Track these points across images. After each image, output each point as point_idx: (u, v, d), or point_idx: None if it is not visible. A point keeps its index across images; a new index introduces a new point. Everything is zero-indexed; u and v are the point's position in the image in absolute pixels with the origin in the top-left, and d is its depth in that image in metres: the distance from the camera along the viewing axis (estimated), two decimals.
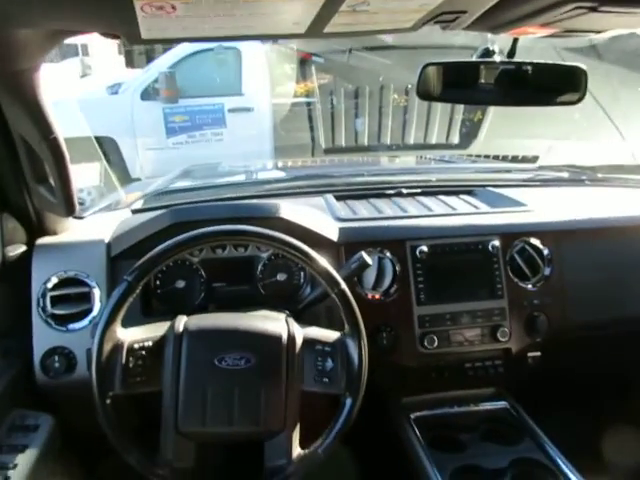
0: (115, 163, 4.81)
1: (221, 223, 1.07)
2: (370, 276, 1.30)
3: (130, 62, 8.93)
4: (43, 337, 1.19)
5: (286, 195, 1.61)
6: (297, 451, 1.00)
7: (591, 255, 1.43)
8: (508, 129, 4.32)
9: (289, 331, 1.02)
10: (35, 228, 1.25)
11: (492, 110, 5.01)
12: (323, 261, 1.04)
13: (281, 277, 1.34)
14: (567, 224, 1.43)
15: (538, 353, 1.38)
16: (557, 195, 1.69)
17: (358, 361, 1.01)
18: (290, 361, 1.00)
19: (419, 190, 1.65)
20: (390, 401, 1.40)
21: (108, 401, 0.95)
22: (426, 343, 1.30)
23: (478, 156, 3.63)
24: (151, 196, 1.72)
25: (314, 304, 1.20)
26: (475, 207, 1.53)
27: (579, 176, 1.89)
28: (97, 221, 1.44)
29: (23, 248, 1.23)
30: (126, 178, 4.77)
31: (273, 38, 4.83)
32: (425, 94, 1.18)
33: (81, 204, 1.40)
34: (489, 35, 1.11)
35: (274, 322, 1.05)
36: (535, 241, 1.39)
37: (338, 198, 1.55)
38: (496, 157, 3.18)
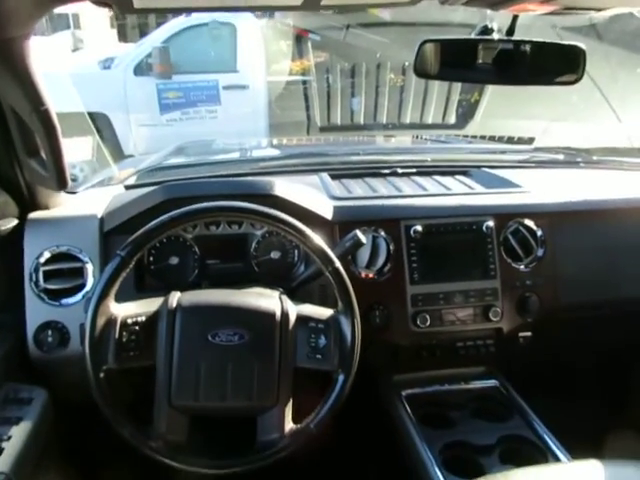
0: (108, 139, 4.75)
1: (215, 200, 1.06)
2: (364, 255, 1.30)
3: (123, 36, 8.78)
4: (36, 312, 1.19)
5: (281, 173, 1.60)
6: (289, 426, 1.01)
7: (584, 237, 1.44)
8: (505, 110, 4.30)
9: (282, 308, 1.03)
10: (27, 202, 1.24)
11: (489, 91, 4.98)
12: (317, 239, 1.04)
13: (275, 255, 1.34)
14: (561, 206, 1.44)
15: (529, 333, 1.40)
16: (552, 177, 1.69)
17: (351, 338, 1.02)
18: (283, 338, 1.01)
19: (414, 170, 1.64)
20: (382, 379, 1.42)
21: (102, 375, 0.95)
22: (419, 322, 1.31)
23: (474, 137, 3.62)
24: (144, 172, 1.70)
25: (308, 282, 1.21)
26: (470, 187, 1.53)
27: (574, 158, 1.89)
28: (90, 196, 1.42)
29: (15, 222, 1.22)
30: (119, 154, 4.72)
31: (268, 10, 4.76)
32: (422, 72, 1.17)
33: (73, 180, 1.39)
34: (488, 12, 1.10)
35: (268, 299, 1.05)
36: (529, 222, 1.39)
37: (333, 177, 1.55)
38: (492, 138, 3.18)
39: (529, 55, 1.12)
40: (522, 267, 1.38)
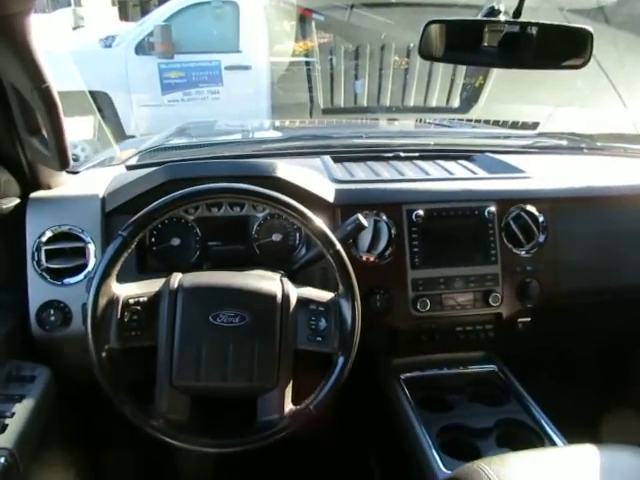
0: (109, 119, 4.72)
1: (217, 181, 1.06)
2: (365, 238, 1.30)
3: (124, 14, 8.68)
4: (38, 291, 1.20)
5: (283, 155, 1.59)
6: (289, 407, 1.02)
7: (586, 223, 1.44)
8: (509, 94, 4.25)
9: (283, 290, 1.03)
10: (29, 181, 1.24)
11: (494, 75, 4.93)
12: (319, 222, 1.04)
13: (276, 237, 1.34)
14: (564, 192, 1.43)
15: (528, 319, 1.40)
16: (555, 162, 1.68)
17: (351, 321, 1.02)
18: (284, 320, 1.01)
19: (417, 154, 1.63)
20: (381, 362, 1.43)
21: (103, 354, 0.96)
22: (419, 306, 1.31)
23: (478, 121, 3.59)
24: (146, 153, 1.69)
25: (309, 265, 1.21)
26: (473, 172, 1.52)
27: (578, 144, 1.88)
28: (91, 176, 1.42)
29: (17, 201, 1.22)
30: (120, 135, 4.69)
31: None
32: (427, 54, 1.16)
33: (75, 160, 1.38)
34: None
35: (269, 281, 1.05)
36: (531, 208, 1.39)
37: (335, 160, 1.54)
38: (496, 122, 3.15)
39: (535, 38, 1.11)
40: (523, 253, 1.38)
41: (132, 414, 0.97)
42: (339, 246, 1.04)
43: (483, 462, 0.90)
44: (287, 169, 1.29)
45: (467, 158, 1.65)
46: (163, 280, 1.04)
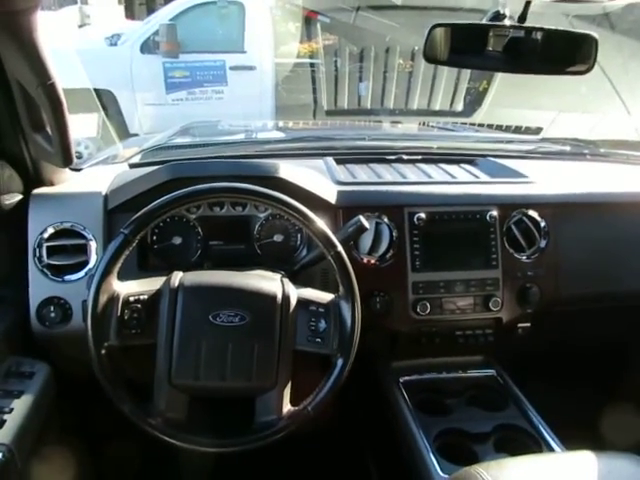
0: (113, 117, 4.73)
1: (220, 180, 1.06)
2: (367, 241, 1.30)
3: (130, 13, 8.68)
4: (39, 287, 1.20)
5: (286, 156, 1.59)
6: (287, 408, 1.02)
7: (588, 229, 1.44)
8: (513, 99, 4.25)
9: (284, 291, 1.03)
10: (32, 178, 1.24)
11: (498, 79, 4.93)
12: (321, 223, 1.04)
13: (278, 238, 1.34)
14: (566, 197, 1.43)
15: (528, 324, 1.40)
16: (558, 168, 1.68)
17: (351, 323, 1.02)
18: (284, 320, 1.01)
19: (420, 157, 1.63)
20: (380, 364, 1.42)
21: (103, 351, 0.96)
22: (419, 309, 1.31)
23: (481, 125, 3.59)
24: (149, 151, 1.70)
25: (310, 266, 1.21)
26: (475, 176, 1.52)
27: (581, 150, 1.88)
28: (94, 174, 1.42)
29: (19, 197, 1.22)
30: (124, 133, 4.70)
31: None
32: (432, 57, 1.15)
33: (78, 157, 1.38)
34: None
35: (269, 281, 1.05)
36: (533, 213, 1.39)
37: (338, 161, 1.54)
38: (499, 127, 3.15)
39: (540, 43, 1.11)
40: (524, 258, 1.38)
41: (130, 412, 0.97)
42: (340, 248, 1.04)
43: (480, 467, 0.90)
44: (290, 170, 1.29)
45: (470, 162, 1.65)
46: (164, 278, 1.04)
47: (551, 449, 1.16)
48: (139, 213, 1.00)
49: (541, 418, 1.24)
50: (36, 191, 1.25)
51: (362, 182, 1.42)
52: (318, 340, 1.02)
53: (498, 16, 1.10)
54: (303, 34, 5.39)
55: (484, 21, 1.13)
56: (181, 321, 0.99)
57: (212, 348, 0.99)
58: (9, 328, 1.15)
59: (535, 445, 1.18)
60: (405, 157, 1.62)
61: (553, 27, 1.11)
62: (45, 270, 1.21)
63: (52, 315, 1.19)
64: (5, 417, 0.96)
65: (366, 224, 1.15)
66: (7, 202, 1.18)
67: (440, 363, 1.42)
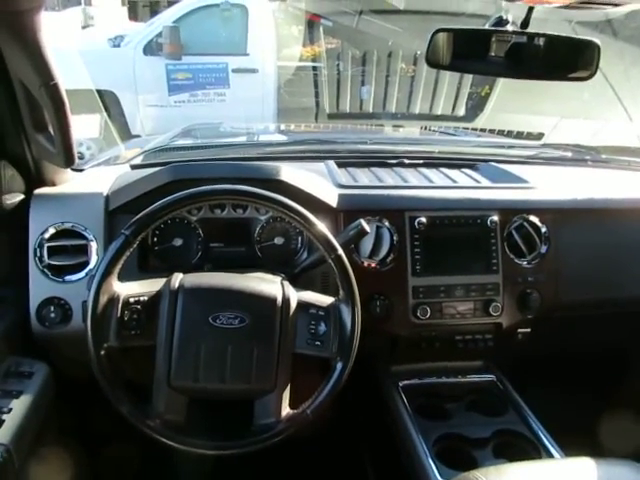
0: (115, 118, 4.74)
1: (221, 182, 1.06)
2: (367, 244, 1.30)
3: (133, 14, 8.72)
4: (39, 287, 1.20)
5: (288, 159, 1.60)
6: (286, 411, 1.02)
7: (589, 236, 1.44)
8: (515, 104, 4.26)
9: (284, 293, 1.03)
10: (33, 178, 1.24)
11: (500, 84, 4.94)
12: (322, 226, 1.04)
13: (279, 241, 1.34)
14: (567, 203, 1.43)
15: (528, 329, 1.40)
16: (559, 174, 1.68)
17: (351, 326, 1.02)
18: (284, 323, 1.01)
19: (421, 161, 1.63)
20: (380, 368, 1.42)
21: (102, 352, 0.96)
22: (419, 314, 1.31)
23: (483, 130, 3.59)
24: (151, 152, 1.70)
25: (310, 269, 1.21)
26: (476, 181, 1.52)
27: (582, 156, 1.88)
28: (96, 174, 1.43)
29: (21, 197, 1.22)
30: (126, 134, 4.70)
31: None
32: (434, 62, 1.16)
33: (80, 158, 1.39)
34: (503, 3, 1.09)
35: (269, 284, 1.05)
36: (534, 218, 1.39)
37: (339, 165, 1.54)
38: (501, 132, 3.15)
39: (543, 49, 1.11)
40: (525, 263, 1.38)
41: (129, 413, 0.97)
42: (341, 251, 1.04)
43: (479, 472, 0.89)
44: (291, 173, 1.29)
45: (471, 167, 1.65)
46: (164, 280, 1.04)
47: (550, 455, 1.16)
48: (140, 214, 1.00)
49: (540, 424, 1.24)
50: (38, 191, 1.26)
51: (363, 186, 1.42)
52: (318, 343, 1.02)
53: (501, 21, 1.11)
54: (306, 37, 5.41)
55: (487, 26, 1.13)
56: (181, 323, 0.98)
57: (212, 350, 0.98)
58: (9, 328, 1.15)
59: (534, 451, 1.18)
60: (407, 161, 1.62)
61: (555, 33, 1.11)
62: (46, 270, 1.21)
63: (52, 315, 1.19)
64: (4, 417, 0.96)
65: (367, 228, 1.15)
66: (9, 202, 1.18)
67: (440, 368, 1.42)
